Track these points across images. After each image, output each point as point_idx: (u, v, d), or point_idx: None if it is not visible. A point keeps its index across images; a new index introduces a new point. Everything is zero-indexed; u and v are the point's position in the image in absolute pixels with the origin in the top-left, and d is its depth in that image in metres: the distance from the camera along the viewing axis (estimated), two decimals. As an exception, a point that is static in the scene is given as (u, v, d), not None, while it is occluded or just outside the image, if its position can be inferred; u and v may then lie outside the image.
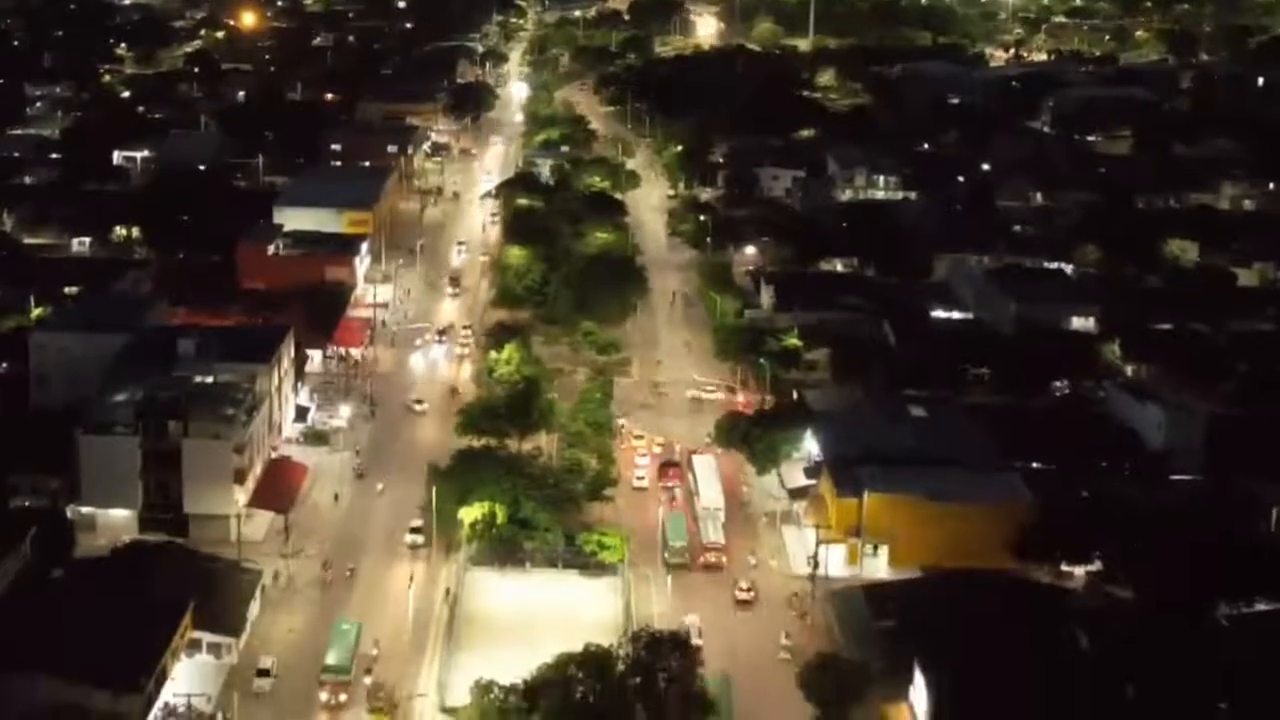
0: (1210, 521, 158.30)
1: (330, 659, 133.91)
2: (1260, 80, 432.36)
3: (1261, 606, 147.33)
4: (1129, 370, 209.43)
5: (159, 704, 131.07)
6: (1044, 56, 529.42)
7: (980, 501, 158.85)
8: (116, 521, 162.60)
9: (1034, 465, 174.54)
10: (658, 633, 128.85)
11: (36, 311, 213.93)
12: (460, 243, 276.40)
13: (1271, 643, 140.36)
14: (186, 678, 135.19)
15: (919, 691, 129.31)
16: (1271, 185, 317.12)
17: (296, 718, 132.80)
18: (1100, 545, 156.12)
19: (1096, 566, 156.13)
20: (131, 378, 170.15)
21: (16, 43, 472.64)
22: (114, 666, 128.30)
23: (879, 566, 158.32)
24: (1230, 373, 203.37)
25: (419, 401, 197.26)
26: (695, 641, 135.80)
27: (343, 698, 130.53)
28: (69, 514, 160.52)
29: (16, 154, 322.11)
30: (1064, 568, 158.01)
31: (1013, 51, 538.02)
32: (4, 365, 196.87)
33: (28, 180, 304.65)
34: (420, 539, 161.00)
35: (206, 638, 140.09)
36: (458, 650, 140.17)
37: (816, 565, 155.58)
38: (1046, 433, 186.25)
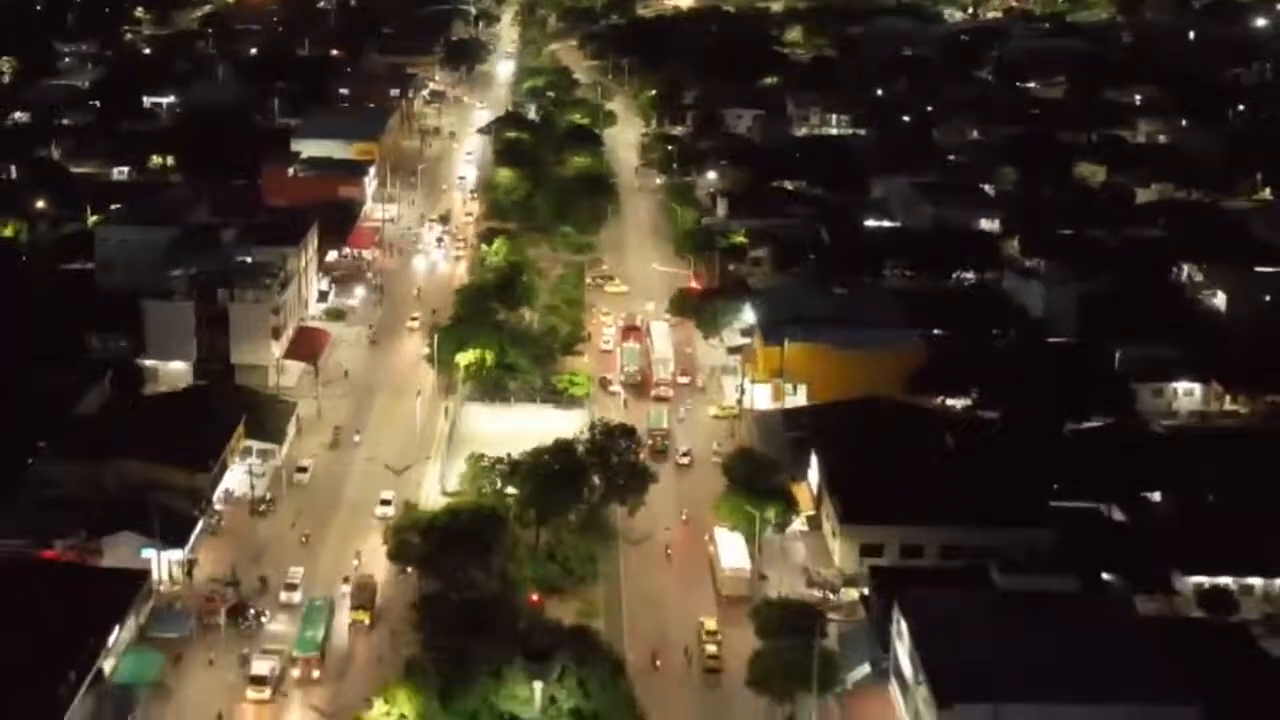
0: (1068, 366, 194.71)
1: (300, 642, 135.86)
2: (1192, 34, 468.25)
3: (1096, 422, 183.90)
4: (1028, 264, 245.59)
5: (221, 487, 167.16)
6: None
7: (880, 348, 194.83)
8: (175, 371, 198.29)
9: (935, 331, 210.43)
10: (611, 425, 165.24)
11: (93, 219, 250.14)
12: (461, 177, 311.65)
13: (1102, 446, 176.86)
14: (242, 477, 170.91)
15: (814, 472, 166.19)
16: (1184, 122, 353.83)
17: (327, 500, 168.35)
18: (976, 382, 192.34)
19: (972, 397, 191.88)
20: (185, 259, 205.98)
21: (40, 6, 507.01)
22: (187, 454, 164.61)
23: (798, 402, 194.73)
24: (1111, 265, 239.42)
25: (414, 318, 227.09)
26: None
27: (315, 674, 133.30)
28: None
29: (53, 102, 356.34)
30: (947, 401, 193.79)
31: (970, 11, 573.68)
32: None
33: (66, 121, 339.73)
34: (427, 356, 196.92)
35: (256, 445, 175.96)
36: (455, 456, 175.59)
37: (743, 394, 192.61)
38: (949, 308, 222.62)
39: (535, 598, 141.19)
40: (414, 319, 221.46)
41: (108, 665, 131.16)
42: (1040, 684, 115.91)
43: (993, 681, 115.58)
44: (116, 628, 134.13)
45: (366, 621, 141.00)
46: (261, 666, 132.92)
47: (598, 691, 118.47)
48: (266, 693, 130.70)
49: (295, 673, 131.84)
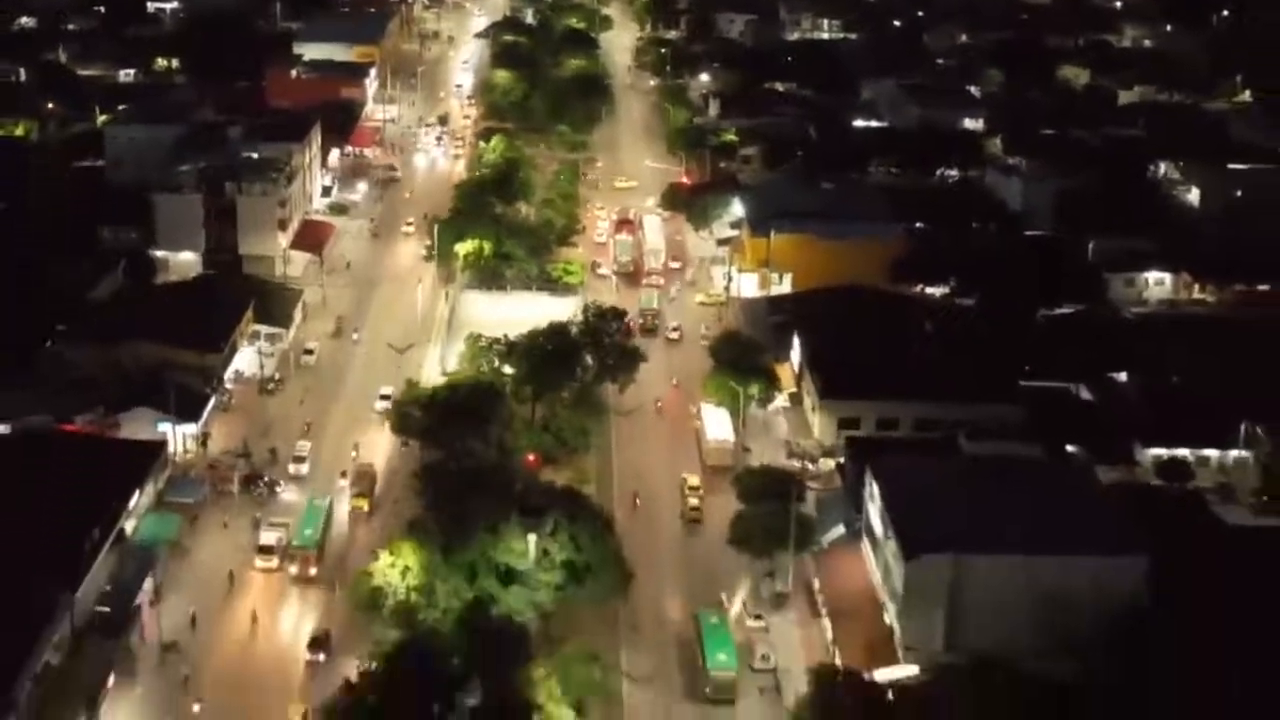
0: (1042, 257, 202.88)
1: (299, 537, 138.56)
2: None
3: (1067, 309, 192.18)
4: (1010, 161, 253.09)
5: (231, 368, 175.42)
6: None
7: (863, 239, 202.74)
8: (184, 261, 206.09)
9: (917, 225, 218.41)
10: (603, 308, 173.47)
11: (102, 118, 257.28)
12: (458, 85, 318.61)
13: (1073, 331, 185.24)
14: (251, 357, 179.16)
15: (796, 352, 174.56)
16: (1168, 27, 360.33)
17: (332, 377, 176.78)
18: (954, 271, 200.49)
19: (951, 285, 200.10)
20: (192, 155, 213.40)
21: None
22: (199, 336, 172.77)
23: (783, 290, 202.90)
24: (1091, 163, 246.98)
25: (409, 222, 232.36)
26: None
27: (312, 571, 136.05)
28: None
29: (59, 8, 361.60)
30: (927, 289, 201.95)
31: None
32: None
33: (72, 26, 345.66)
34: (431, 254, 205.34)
35: (264, 329, 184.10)
36: (454, 339, 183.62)
37: (730, 282, 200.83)
38: (932, 204, 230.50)
39: (532, 458, 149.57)
40: (409, 223, 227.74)
41: (129, 526, 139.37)
42: (999, 538, 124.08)
43: (955, 536, 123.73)
44: (136, 492, 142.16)
45: (365, 508, 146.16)
46: (269, 537, 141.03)
47: (588, 545, 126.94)
48: (274, 562, 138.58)
49: (293, 569, 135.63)
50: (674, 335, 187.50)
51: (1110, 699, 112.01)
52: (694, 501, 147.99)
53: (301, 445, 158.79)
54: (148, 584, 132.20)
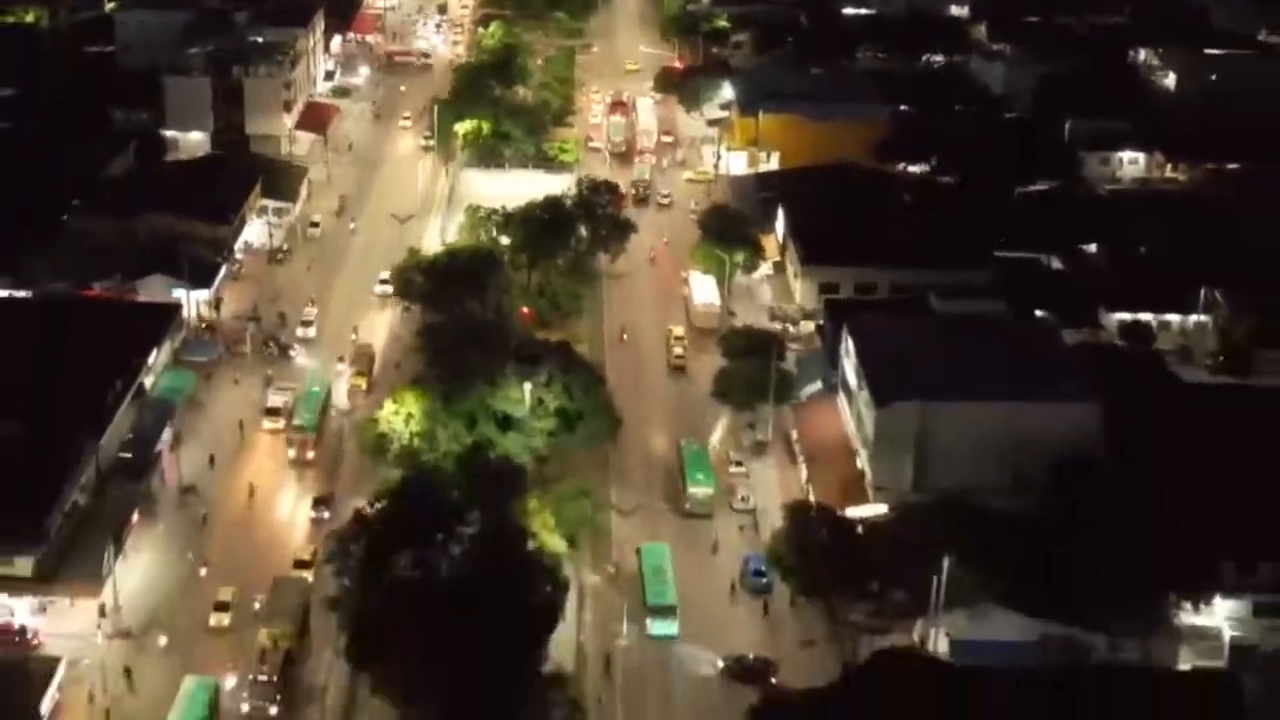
0: (1020, 136, 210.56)
1: (297, 419, 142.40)
2: None
3: (1042, 186, 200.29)
4: (994, 47, 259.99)
5: (241, 239, 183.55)
6: None
7: (849, 120, 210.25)
8: (193, 141, 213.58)
9: (903, 107, 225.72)
10: (596, 181, 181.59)
11: (110, 4, 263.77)
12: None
13: (1047, 206, 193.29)
14: (260, 229, 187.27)
15: (780, 224, 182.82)
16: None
17: (337, 249, 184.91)
18: (936, 151, 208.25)
19: (932, 164, 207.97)
20: (200, 39, 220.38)
21: None
22: (210, 209, 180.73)
23: (771, 168, 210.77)
24: (1073, 49, 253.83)
25: (405, 116, 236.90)
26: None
27: (310, 454, 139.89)
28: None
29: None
30: (909, 168, 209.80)
31: None
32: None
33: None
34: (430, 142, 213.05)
35: (271, 204, 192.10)
36: (454, 213, 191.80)
37: (719, 159, 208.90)
38: (918, 87, 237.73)
39: (526, 310, 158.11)
40: (405, 117, 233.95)
41: (148, 382, 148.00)
42: (964, 386, 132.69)
43: (923, 384, 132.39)
44: (154, 351, 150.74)
45: (364, 386, 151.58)
46: (276, 400, 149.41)
47: (580, 395, 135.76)
48: (280, 423, 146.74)
49: (291, 452, 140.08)
50: (664, 201, 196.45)
51: (1062, 532, 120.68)
52: (679, 351, 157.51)
53: (309, 311, 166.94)
54: (166, 433, 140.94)
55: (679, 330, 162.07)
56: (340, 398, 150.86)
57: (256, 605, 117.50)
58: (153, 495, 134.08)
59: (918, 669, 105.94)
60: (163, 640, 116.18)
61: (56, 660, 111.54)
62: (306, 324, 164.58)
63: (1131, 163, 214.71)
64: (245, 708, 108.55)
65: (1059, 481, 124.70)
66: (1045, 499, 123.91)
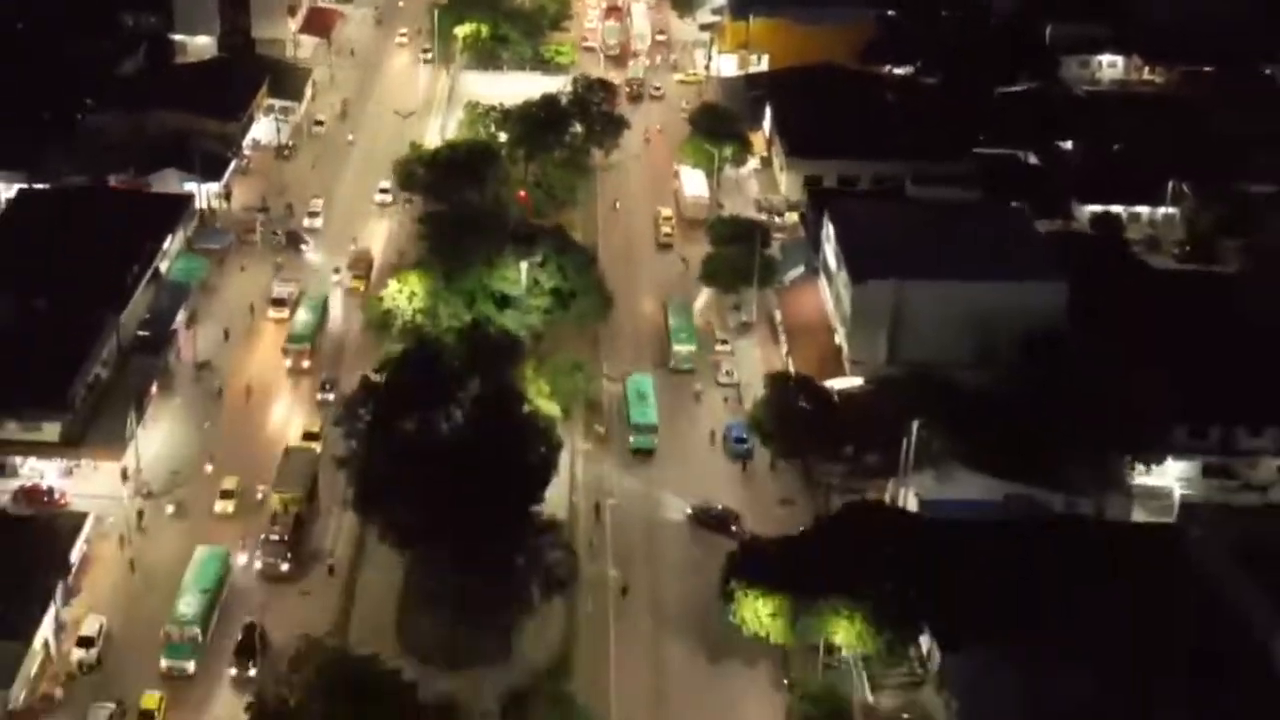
0: (1001, 40, 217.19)
1: (294, 331, 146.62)
2: None
3: (1022, 86, 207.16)
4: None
5: (249, 136, 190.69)
6: None
7: (836, 22, 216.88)
8: (200, 45, 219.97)
9: (890, 12, 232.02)
10: (591, 79, 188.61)
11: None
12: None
13: (1026, 105, 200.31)
14: (267, 127, 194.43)
15: (767, 121, 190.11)
16: None
17: (340, 147, 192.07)
18: (919, 54, 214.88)
19: (916, 66, 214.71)
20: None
21: None
22: (219, 107, 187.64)
23: (762, 67, 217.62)
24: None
25: (402, 32, 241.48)
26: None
27: (305, 364, 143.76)
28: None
29: None
30: (894, 71, 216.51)
31: None
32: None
33: None
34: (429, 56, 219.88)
35: (277, 103, 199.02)
36: (454, 111, 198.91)
37: (710, 61, 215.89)
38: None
39: (522, 194, 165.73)
40: (403, 33, 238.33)
41: (164, 266, 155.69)
42: (937, 265, 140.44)
43: (898, 264, 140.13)
44: (169, 237, 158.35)
45: (363, 289, 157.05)
46: (281, 291, 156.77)
47: (574, 275, 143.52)
48: (285, 313, 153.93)
49: (288, 362, 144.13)
50: (656, 93, 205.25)
51: (1026, 401, 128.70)
52: (666, 230, 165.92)
53: (315, 203, 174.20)
54: (182, 314, 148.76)
55: (667, 212, 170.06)
56: (337, 307, 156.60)
57: (260, 495, 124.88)
58: (170, 370, 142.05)
59: (886, 518, 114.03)
60: (175, 504, 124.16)
61: (84, 515, 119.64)
62: (313, 215, 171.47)
63: (1110, 66, 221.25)
64: (258, 565, 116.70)
65: (1025, 356, 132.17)
66: (1011, 372, 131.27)
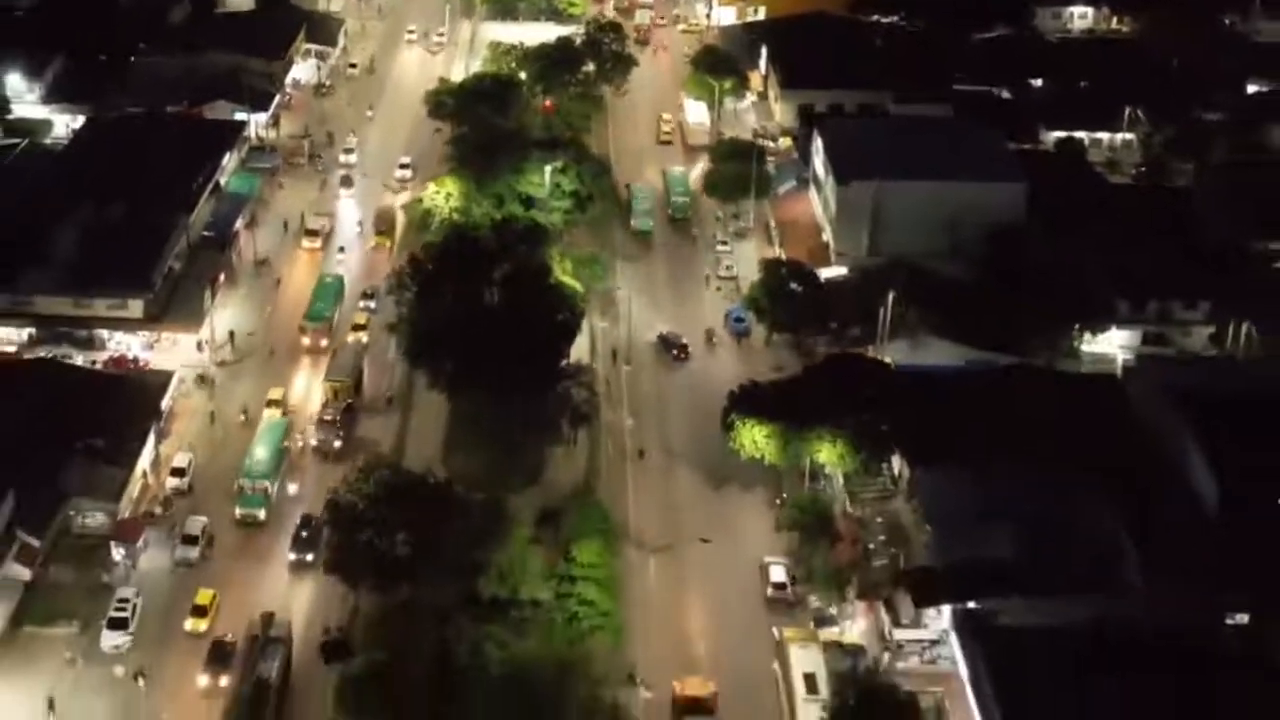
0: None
1: (312, 312, 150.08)
2: None
3: (1000, 31, 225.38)
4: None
5: (290, 76, 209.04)
6: None
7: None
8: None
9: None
10: (602, 23, 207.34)
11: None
12: None
13: (1000, 48, 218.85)
14: (307, 68, 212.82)
15: (764, 60, 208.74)
16: None
17: (372, 85, 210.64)
18: (905, 3, 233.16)
19: (900, 15, 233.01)
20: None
21: None
22: (263, 47, 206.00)
23: (759, 17, 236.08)
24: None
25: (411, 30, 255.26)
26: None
27: (324, 342, 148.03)
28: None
29: None
30: (882, 20, 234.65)
31: None
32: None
33: None
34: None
35: (315, 47, 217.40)
36: (476, 56, 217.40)
37: (711, 10, 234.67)
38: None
39: (548, 104, 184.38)
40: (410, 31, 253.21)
41: (223, 180, 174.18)
42: (912, 168, 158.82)
43: (878, 167, 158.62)
44: (226, 155, 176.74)
45: (388, 245, 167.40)
46: (315, 223, 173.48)
47: (589, 179, 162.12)
48: (318, 243, 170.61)
49: (305, 340, 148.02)
50: (661, 23, 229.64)
51: (987, 287, 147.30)
52: (666, 129, 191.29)
53: (350, 140, 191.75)
54: (240, 220, 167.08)
55: (667, 115, 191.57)
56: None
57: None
58: (233, 265, 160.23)
59: (864, 366, 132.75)
60: (244, 373, 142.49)
61: (170, 374, 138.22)
62: (349, 151, 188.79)
63: (1081, 17, 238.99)
64: (313, 442, 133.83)
65: (989, 246, 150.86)
66: (977, 261, 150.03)
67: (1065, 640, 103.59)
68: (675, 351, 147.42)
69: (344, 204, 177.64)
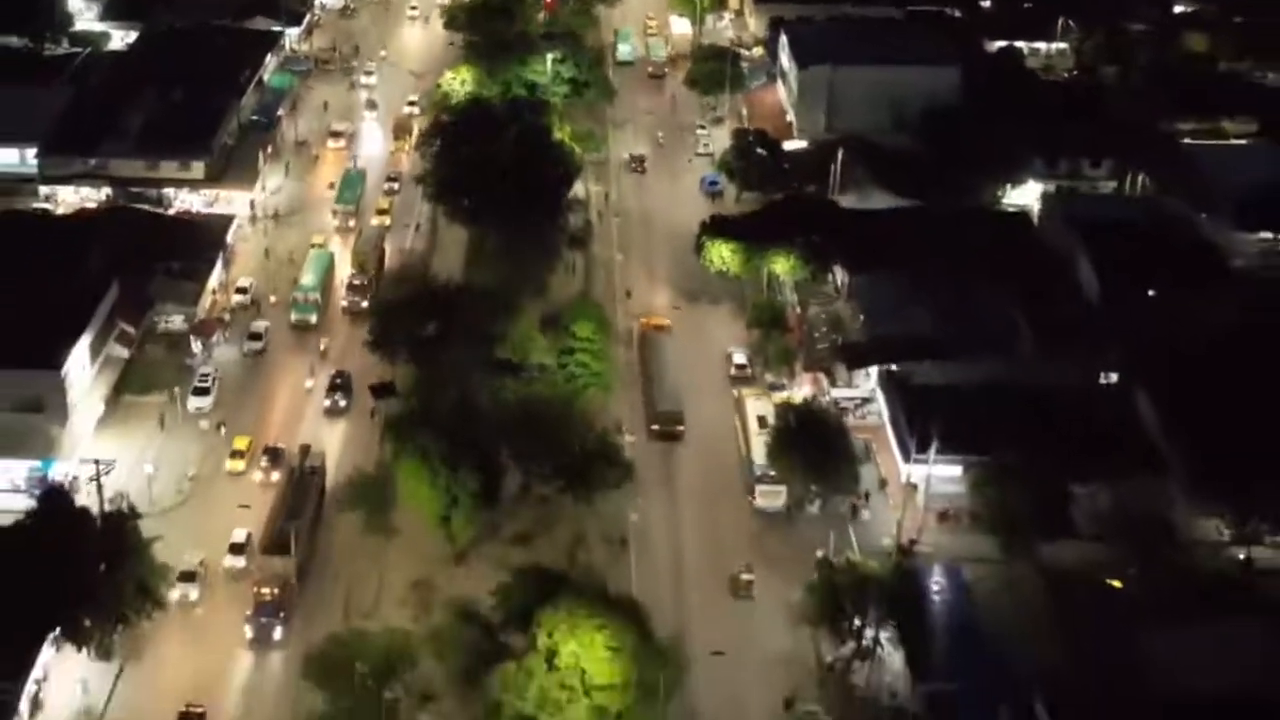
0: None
1: (341, 196, 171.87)
2: None
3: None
4: None
5: (318, 1, 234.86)
6: None
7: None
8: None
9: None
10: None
11: None
12: None
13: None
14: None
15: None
16: None
17: (388, 11, 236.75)
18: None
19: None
20: None
21: None
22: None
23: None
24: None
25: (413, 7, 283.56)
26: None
27: (351, 223, 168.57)
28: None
29: None
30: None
31: None
32: None
33: None
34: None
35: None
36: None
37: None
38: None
39: (549, 2, 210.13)
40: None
41: (266, 77, 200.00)
42: (863, 55, 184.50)
43: (833, 54, 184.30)
44: (268, 56, 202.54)
45: (406, 149, 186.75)
46: (338, 126, 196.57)
47: (586, 70, 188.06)
48: (342, 143, 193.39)
49: (335, 222, 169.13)
50: None
51: (927, 158, 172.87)
52: (652, 24, 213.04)
53: (369, 64, 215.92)
54: (282, 107, 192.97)
55: (651, 14, 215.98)
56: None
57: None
58: (278, 144, 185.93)
59: (814, 201, 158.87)
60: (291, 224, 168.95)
61: (232, 216, 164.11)
62: (369, 74, 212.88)
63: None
64: (343, 304, 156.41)
65: (928, 122, 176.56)
66: (917, 134, 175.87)
67: (967, 393, 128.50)
68: (634, 165, 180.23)
69: (367, 125, 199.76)
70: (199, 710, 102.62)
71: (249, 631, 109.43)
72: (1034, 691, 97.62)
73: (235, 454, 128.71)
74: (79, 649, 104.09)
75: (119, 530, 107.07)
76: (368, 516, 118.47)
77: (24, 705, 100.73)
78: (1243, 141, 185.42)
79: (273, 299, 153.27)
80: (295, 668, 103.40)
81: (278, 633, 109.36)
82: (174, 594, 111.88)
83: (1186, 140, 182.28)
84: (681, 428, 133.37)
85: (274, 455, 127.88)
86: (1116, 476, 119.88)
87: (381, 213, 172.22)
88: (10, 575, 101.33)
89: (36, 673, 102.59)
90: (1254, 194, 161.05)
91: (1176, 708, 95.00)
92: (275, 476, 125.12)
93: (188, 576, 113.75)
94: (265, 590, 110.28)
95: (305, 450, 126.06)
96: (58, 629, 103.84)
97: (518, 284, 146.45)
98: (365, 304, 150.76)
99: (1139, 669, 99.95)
